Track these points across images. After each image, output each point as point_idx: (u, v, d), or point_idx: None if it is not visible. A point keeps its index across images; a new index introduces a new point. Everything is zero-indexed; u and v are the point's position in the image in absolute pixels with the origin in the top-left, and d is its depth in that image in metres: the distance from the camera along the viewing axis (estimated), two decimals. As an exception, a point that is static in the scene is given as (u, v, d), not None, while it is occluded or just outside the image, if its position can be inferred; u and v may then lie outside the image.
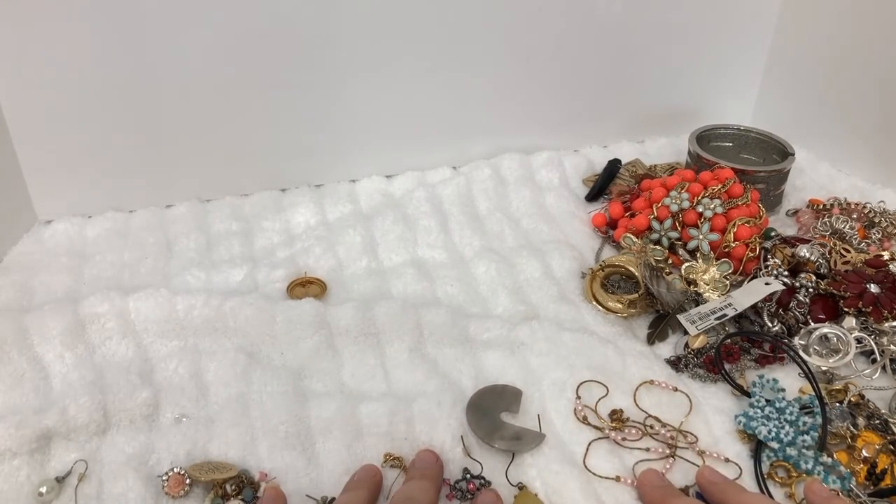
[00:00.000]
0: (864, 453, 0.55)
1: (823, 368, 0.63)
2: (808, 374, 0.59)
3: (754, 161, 0.94)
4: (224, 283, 0.73)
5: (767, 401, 0.59)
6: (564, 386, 0.61)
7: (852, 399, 0.60)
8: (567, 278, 0.76)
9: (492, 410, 0.58)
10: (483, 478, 0.53)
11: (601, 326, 0.69)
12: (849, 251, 0.74)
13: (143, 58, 0.77)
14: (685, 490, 0.53)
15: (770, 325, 0.68)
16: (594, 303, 0.72)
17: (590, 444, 0.56)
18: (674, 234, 0.78)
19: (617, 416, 0.59)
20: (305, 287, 0.73)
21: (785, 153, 0.89)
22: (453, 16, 0.86)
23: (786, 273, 0.72)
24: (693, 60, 1.01)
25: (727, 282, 0.72)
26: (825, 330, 0.65)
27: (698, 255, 0.75)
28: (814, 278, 0.70)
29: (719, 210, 0.77)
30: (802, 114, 1.01)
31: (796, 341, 0.65)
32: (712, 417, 0.59)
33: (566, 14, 0.91)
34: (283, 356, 0.64)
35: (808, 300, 0.69)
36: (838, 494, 0.50)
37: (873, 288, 0.67)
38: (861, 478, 0.54)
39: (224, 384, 0.61)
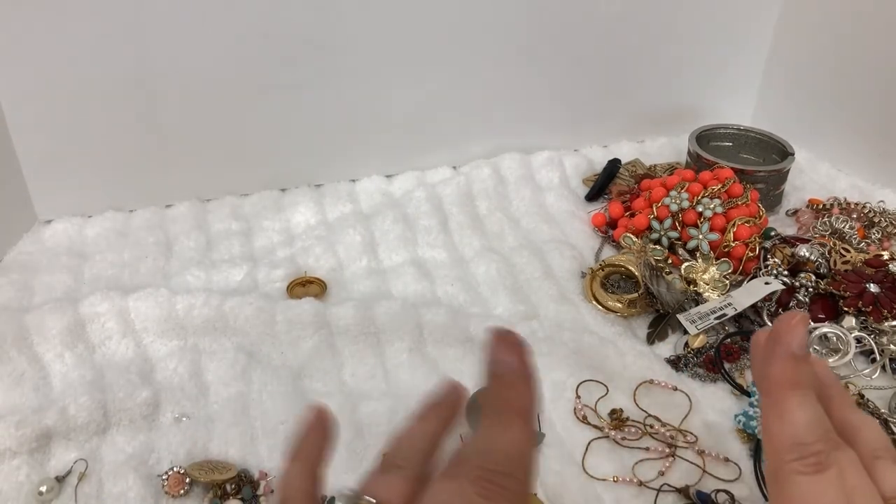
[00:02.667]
0: (864, 453, 0.55)
1: (823, 368, 0.63)
2: (808, 374, 0.59)
3: (754, 161, 0.94)
4: (224, 283, 0.73)
5: (767, 400, 0.59)
6: (564, 385, 0.61)
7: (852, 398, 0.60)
8: (567, 278, 0.76)
9: (492, 410, 0.58)
10: (483, 477, 0.53)
11: (601, 326, 0.69)
12: (848, 251, 0.74)
13: (144, 57, 0.77)
14: (685, 490, 0.53)
15: (770, 324, 0.68)
16: (594, 302, 0.72)
17: (589, 443, 0.57)
18: (674, 234, 0.78)
19: (617, 415, 0.59)
20: (305, 287, 0.73)
21: (785, 153, 0.89)
22: (453, 16, 0.86)
23: (785, 273, 0.72)
24: (693, 60, 1.01)
25: (727, 281, 0.72)
26: (825, 329, 0.65)
27: (698, 254, 0.75)
28: (813, 278, 0.70)
29: (719, 210, 0.77)
30: (802, 114, 1.01)
31: (796, 341, 0.65)
32: (712, 417, 0.60)
33: (566, 14, 0.91)
34: (283, 356, 0.64)
35: (807, 300, 0.69)
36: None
37: (873, 288, 0.67)
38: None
39: (224, 384, 0.61)
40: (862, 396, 0.60)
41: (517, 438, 0.29)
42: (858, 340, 0.65)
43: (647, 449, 0.56)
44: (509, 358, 0.30)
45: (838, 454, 0.30)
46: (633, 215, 0.82)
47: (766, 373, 0.32)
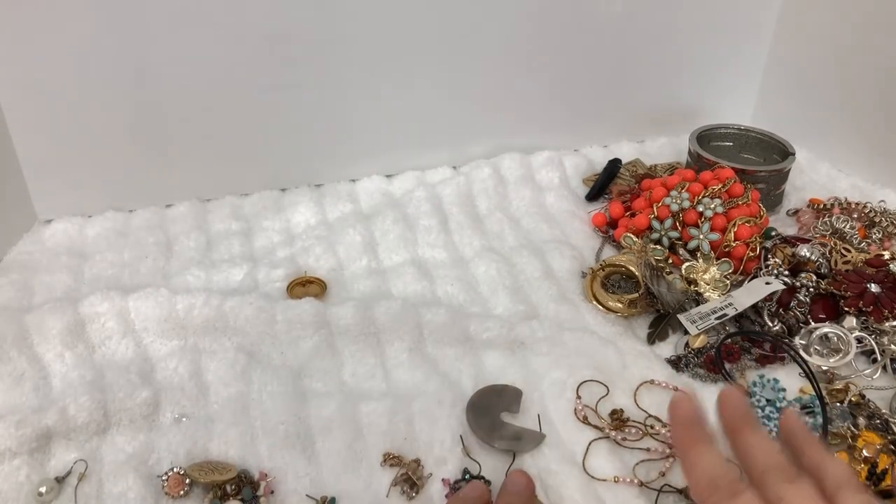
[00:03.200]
0: (865, 453, 0.55)
1: (824, 368, 0.63)
2: (809, 374, 0.59)
3: (755, 161, 0.94)
4: (224, 283, 0.73)
5: (768, 400, 0.59)
6: (564, 386, 0.61)
7: (853, 399, 0.60)
8: (567, 278, 0.76)
9: (492, 410, 0.58)
10: (483, 478, 0.53)
11: (601, 326, 0.69)
12: (849, 251, 0.74)
13: (144, 57, 0.77)
14: (686, 490, 0.53)
15: (770, 324, 0.68)
16: (594, 302, 0.72)
17: (590, 444, 0.56)
18: (674, 234, 0.77)
19: (617, 415, 0.59)
20: (305, 287, 0.73)
21: (785, 153, 0.89)
22: (453, 16, 0.86)
23: (786, 273, 0.71)
24: (693, 60, 1.01)
25: (727, 281, 0.72)
26: (826, 330, 0.65)
27: (699, 254, 0.75)
28: (814, 278, 0.70)
29: (720, 210, 0.77)
30: (802, 114, 1.01)
31: (797, 341, 0.65)
32: (713, 417, 0.59)
33: (566, 14, 0.91)
34: (283, 356, 0.64)
35: (808, 300, 0.69)
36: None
37: (874, 287, 0.67)
38: (861, 478, 0.54)
39: (224, 384, 0.61)
40: (863, 397, 0.60)
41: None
42: (859, 340, 0.65)
43: (647, 449, 0.56)
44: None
45: (792, 486, 0.36)
46: (633, 215, 0.82)
47: (674, 440, 0.42)
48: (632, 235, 0.78)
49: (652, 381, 0.62)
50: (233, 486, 0.52)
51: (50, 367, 0.62)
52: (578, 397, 0.60)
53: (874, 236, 0.79)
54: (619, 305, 0.71)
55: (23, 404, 0.58)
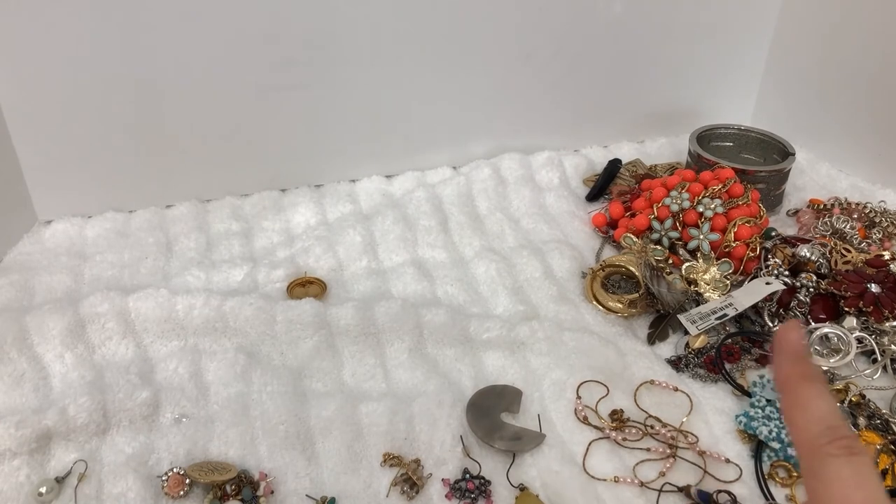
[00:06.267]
0: (865, 453, 0.55)
1: (824, 368, 0.63)
2: (809, 374, 0.58)
3: (755, 161, 0.94)
4: (224, 283, 0.73)
5: (768, 401, 0.59)
6: (565, 386, 0.61)
7: (853, 399, 0.60)
8: (567, 278, 0.76)
9: (492, 410, 0.58)
10: (483, 478, 0.53)
11: (601, 326, 0.69)
12: (849, 251, 0.74)
13: (144, 57, 0.77)
14: (687, 489, 0.53)
15: (771, 324, 0.68)
16: (594, 303, 0.72)
17: (590, 444, 0.56)
18: (674, 234, 0.77)
19: (617, 416, 0.59)
20: (305, 287, 0.73)
21: (785, 153, 0.89)
22: (453, 16, 0.86)
23: (786, 273, 0.71)
24: (693, 60, 1.01)
25: (728, 282, 0.72)
26: (826, 330, 0.65)
27: (699, 254, 0.75)
28: (814, 278, 0.70)
29: (720, 210, 0.77)
30: (802, 114, 1.01)
31: (797, 341, 0.65)
32: (713, 417, 0.59)
33: (566, 14, 0.91)
34: (283, 356, 0.64)
35: (808, 300, 0.69)
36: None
37: (874, 288, 0.67)
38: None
39: (224, 384, 0.61)
40: (863, 397, 0.60)
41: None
42: (859, 341, 0.65)
43: (647, 449, 0.56)
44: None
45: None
46: (633, 215, 0.82)
47: (780, 374, 0.35)
48: (632, 236, 0.78)
49: (652, 382, 0.62)
50: (233, 487, 0.52)
51: (50, 368, 0.62)
52: (578, 397, 0.60)
53: (874, 236, 0.79)
54: (619, 306, 0.71)
55: (23, 405, 0.58)
